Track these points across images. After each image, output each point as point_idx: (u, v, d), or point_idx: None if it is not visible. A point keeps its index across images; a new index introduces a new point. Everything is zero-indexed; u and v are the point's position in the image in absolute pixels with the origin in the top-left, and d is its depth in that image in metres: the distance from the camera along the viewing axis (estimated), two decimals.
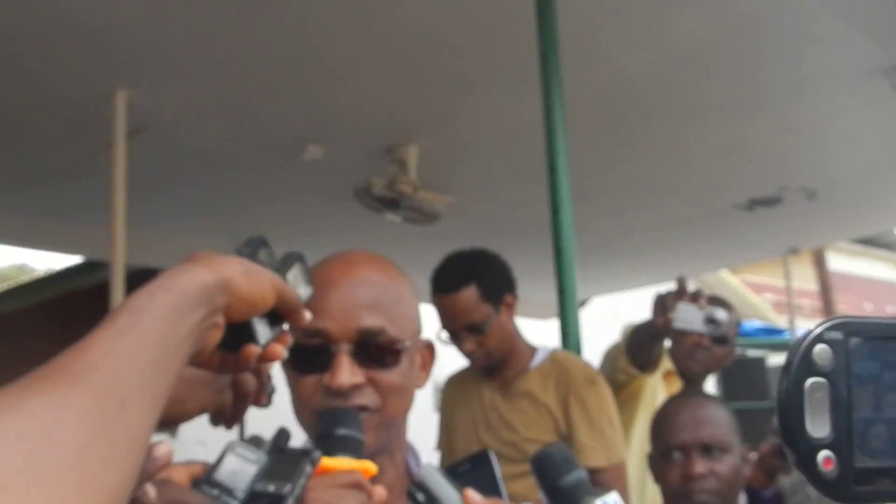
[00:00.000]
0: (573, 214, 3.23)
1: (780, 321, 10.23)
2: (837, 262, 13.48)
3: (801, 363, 0.59)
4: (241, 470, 0.89)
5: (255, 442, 0.98)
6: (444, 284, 2.72)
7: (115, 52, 3.55)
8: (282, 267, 0.89)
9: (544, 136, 3.28)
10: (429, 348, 1.32)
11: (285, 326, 0.89)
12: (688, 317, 2.46)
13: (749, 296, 12.15)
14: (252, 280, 0.77)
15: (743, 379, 6.29)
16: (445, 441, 2.98)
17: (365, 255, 1.30)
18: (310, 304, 1.15)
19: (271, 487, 0.89)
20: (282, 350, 0.86)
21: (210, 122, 4.23)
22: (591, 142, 4.20)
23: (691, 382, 3.07)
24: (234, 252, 0.83)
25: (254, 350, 0.82)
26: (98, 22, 3.30)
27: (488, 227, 5.26)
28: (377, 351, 1.20)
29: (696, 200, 5.49)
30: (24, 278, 10.50)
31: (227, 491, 0.87)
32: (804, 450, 0.58)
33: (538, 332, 3.72)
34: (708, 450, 2.16)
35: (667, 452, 2.20)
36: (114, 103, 3.81)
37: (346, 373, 1.16)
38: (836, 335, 0.59)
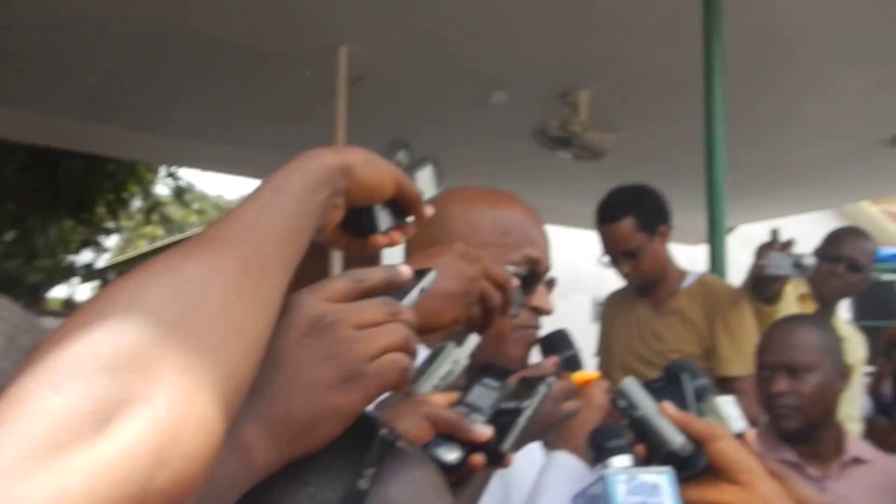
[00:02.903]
0: (724, 149, 3.29)
1: None
2: None
3: None
4: (486, 394, 0.95)
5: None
6: (606, 215, 2.85)
7: (339, 12, 3.77)
8: (413, 166, 0.89)
9: (703, 79, 3.30)
10: None
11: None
12: (778, 262, 2.59)
13: (887, 224, 11.77)
14: (371, 169, 0.78)
15: (875, 300, 6.38)
16: (604, 348, 3.12)
17: None
18: (525, 231, 1.27)
19: (513, 404, 0.95)
20: (400, 237, 0.86)
21: (415, 73, 4.40)
22: (746, 82, 4.09)
23: (825, 305, 3.09)
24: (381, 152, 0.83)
25: (378, 240, 0.84)
26: None
27: (648, 162, 5.21)
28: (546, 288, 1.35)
29: (841, 137, 5.38)
30: None
31: (476, 409, 0.92)
32: None
33: (688, 256, 3.85)
34: (792, 370, 2.20)
35: (757, 371, 2.30)
36: (337, 57, 4.10)
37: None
38: None
